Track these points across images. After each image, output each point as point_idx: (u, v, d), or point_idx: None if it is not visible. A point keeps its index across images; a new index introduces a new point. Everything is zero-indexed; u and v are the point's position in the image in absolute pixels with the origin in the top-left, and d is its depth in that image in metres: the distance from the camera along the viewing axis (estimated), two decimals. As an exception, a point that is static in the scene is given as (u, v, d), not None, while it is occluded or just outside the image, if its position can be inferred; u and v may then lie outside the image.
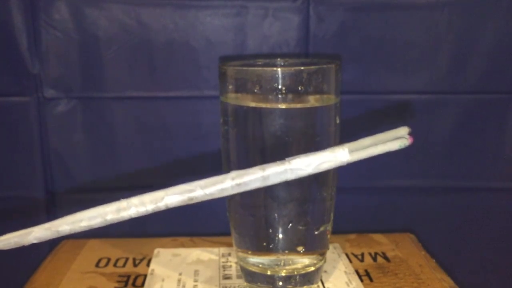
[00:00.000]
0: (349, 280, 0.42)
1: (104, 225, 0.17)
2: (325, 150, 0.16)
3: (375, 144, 0.16)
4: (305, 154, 0.16)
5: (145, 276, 0.43)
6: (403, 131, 0.16)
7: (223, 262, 0.46)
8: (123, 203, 0.17)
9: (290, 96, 0.35)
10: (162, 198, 0.17)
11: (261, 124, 0.36)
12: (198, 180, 0.16)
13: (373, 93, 0.59)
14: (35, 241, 0.17)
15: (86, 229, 0.17)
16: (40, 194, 0.58)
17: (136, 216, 0.17)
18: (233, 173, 0.16)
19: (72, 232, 0.17)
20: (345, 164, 0.16)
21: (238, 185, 0.16)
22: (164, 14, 0.55)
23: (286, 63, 0.41)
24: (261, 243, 0.39)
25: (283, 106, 0.35)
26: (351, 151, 0.16)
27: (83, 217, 0.17)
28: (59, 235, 0.17)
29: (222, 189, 0.16)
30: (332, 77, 0.37)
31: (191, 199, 0.16)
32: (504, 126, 0.60)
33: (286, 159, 0.16)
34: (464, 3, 0.56)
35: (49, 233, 0.17)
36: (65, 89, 0.56)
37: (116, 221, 0.17)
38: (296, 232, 0.38)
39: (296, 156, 0.16)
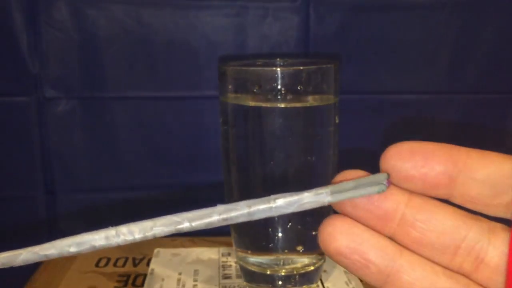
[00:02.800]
0: (348, 279, 0.42)
1: (92, 250, 0.18)
2: (309, 190, 0.17)
3: (356, 188, 0.17)
4: (289, 194, 0.17)
5: (145, 275, 0.43)
6: (383, 177, 0.17)
7: (222, 261, 0.46)
8: (111, 231, 0.17)
9: (289, 95, 0.35)
10: (151, 229, 0.17)
11: (260, 123, 0.36)
12: (186, 212, 0.17)
13: (372, 93, 0.59)
14: (22, 264, 0.17)
15: (75, 254, 0.18)
16: (40, 194, 0.58)
17: (123, 244, 0.18)
18: (221, 208, 0.17)
19: (60, 256, 0.18)
20: (326, 204, 0.17)
21: (225, 219, 0.17)
22: (164, 14, 0.55)
23: (285, 63, 0.41)
24: (261, 242, 0.39)
25: (282, 105, 0.36)
26: (333, 193, 0.17)
27: (72, 243, 0.17)
28: (47, 259, 0.18)
29: (209, 223, 0.17)
30: (332, 77, 0.37)
31: (178, 230, 0.17)
32: (504, 126, 0.60)
33: (272, 196, 0.17)
34: (464, 3, 0.56)
35: (37, 257, 0.17)
36: (65, 89, 0.56)
37: (104, 248, 0.18)
38: (295, 231, 0.38)
39: (280, 195, 0.17)
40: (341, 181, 0.18)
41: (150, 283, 0.42)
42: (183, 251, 0.48)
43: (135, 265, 0.46)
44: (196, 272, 0.44)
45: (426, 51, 0.58)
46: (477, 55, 0.58)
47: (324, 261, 0.41)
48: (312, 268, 0.40)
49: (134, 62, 0.56)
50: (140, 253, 0.48)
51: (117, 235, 0.17)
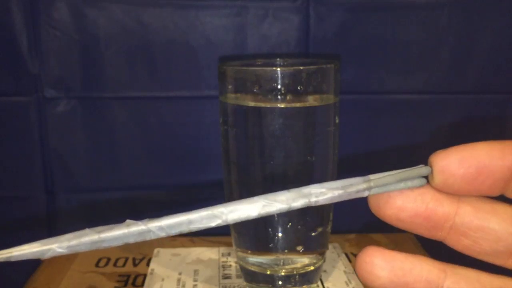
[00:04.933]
0: (348, 279, 0.42)
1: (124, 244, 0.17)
2: (348, 181, 0.17)
3: (397, 182, 0.17)
4: (327, 186, 0.17)
5: (145, 275, 0.43)
6: (425, 170, 0.16)
7: (222, 261, 0.46)
8: (142, 227, 0.17)
9: (289, 95, 0.35)
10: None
11: (260, 123, 0.36)
12: (222, 204, 0.17)
13: (372, 93, 0.59)
14: (51, 256, 0.17)
15: (106, 247, 0.17)
16: (40, 194, 0.58)
17: (155, 238, 0.17)
18: (263, 201, 0.17)
19: (92, 249, 0.17)
20: (365, 196, 0.17)
21: (266, 213, 0.17)
22: (164, 14, 0.55)
23: (285, 63, 0.41)
24: (261, 242, 0.39)
25: (282, 105, 0.36)
26: (372, 187, 0.17)
27: (105, 238, 0.17)
28: (76, 252, 0.17)
29: (248, 216, 0.17)
30: (332, 77, 0.37)
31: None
32: (504, 126, 0.60)
33: (309, 188, 0.17)
34: (464, 3, 0.56)
35: (68, 251, 0.17)
36: (65, 89, 0.56)
37: (137, 241, 0.17)
38: (295, 231, 0.38)
39: (317, 188, 0.17)
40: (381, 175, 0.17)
41: (150, 283, 0.42)
42: (183, 251, 0.48)
43: (135, 265, 0.46)
44: (196, 272, 0.44)
45: (426, 51, 0.58)
46: (477, 55, 0.58)
47: (324, 261, 0.41)
48: (312, 268, 0.40)
49: (134, 62, 0.56)
50: (140, 253, 0.48)
51: (149, 230, 0.17)
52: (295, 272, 0.39)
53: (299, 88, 0.35)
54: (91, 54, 0.56)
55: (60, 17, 0.54)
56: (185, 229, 0.17)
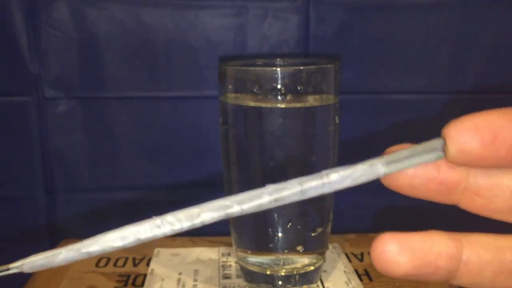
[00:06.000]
0: (348, 279, 0.42)
1: (137, 244, 0.17)
2: (362, 162, 0.16)
3: (412, 156, 0.16)
4: (342, 168, 0.16)
5: (145, 275, 0.43)
6: (438, 143, 0.16)
7: (222, 261, 0.46)
8: (156, 220, 0.16)
9: (289, 96, 0.35)
10: (198, 215, 0.16)
11: (260, 123, 0.36)
12: (234, 195, 0.16)
13: (372, 93, 0.59)
14: (63, 263, 0.17)
15: (119, 249, 0.17)
16: (40, 194, 0.58)
17: (170, 234, 0.17)
18: (270, 188, 0.16)
19: (103, 252, 0.17)
20: (382, 176, 0.16)
21: (276, 200, 0.16)
22: (164, 14, 0.55)
23: (285, 63, 0.41)
24: (261, 242, 0.39)
25: (282, 105, 0.36)
26: (388, 163, 0.16)
27: (116, 237, 0.17)
28: (89, 256, 0.17)
29: (260, 205, 0.16)
30: (332, 77, 0.37)
31: (228, 215, 0.16)
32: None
33: (323, 172, 0.16)
34: (464, 3, 0.56)
35: (79, 255, 0.17)
36: (65, 89, 0.56)
37: (149, 239, 0.17)
38: (295, 231, 0.38)
39: (332, 170, 0.16)
40: (395, 151, 0.17)
41: (150, 283, 0.42)
42: (183, 251, 0.48)
43: (135, 265, 0.46)
44: (196, 272, 0.44)
45: (426, 51, 0.58)
46: (477, 55, 0.58)
47: (324, 261, 0.41)
48: (312, 268, 0.40)
49: (134, 62, 0.56)
50: (140, 253, 0.48)
51: (163, 224, 0.16)
52: (295, 272, 0.39)
53: (299, 88, 0.35)
54: (91, 54, 0.56)
55: (60, 17, 0.54)
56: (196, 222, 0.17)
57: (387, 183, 0.17)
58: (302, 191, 0.16)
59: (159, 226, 0.16)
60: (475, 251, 0.17)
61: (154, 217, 0.17)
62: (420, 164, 0.16)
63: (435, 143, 0.16)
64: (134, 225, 0.17)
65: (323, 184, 0.16)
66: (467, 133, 0.16)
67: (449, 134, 0.16)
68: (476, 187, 0.17)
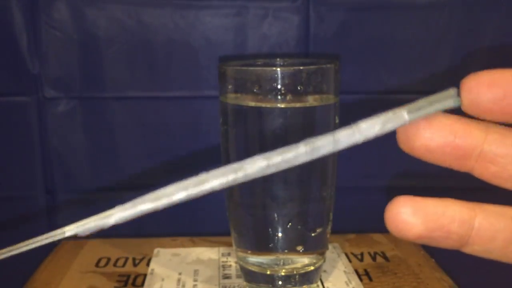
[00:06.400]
0: (348, 279, 0.42)
1: (185, 201, 0.17)
2: (387, 111, 0.17)
3: (431, 104, 0.17)
4: (370, 118, 0.17)
5: (145, 275, 0.43)
6: (453, 91, 0.17)
7: (222, 261, 0.46)
8: (202, 176, 0.17)
9: (289, 96, 0.35)
10: (241, 168, 0.17)
11: (260, 123, 0.36)
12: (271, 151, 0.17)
13: (373, 93, 0.59)
14: (115, 223, 0.17)
15: (167, 206, 0.17)
16: (40, 194, 0.58)
17: (219, 188, 0.17)
18: (306, 141, 0.17)
19: (154, 210, 0.17)
20: (407, 123, 0.17)
21: (312, 150, 0.17)
22: (164, 14, 0.55)
23: (285, 63, 0.41)
24: (261, 242, 0.39)
25: (282, 105, 0.36)
26: (409, 112, 0.17)
27: (163, 194, 0.17)
28: (142, 214, 0.17)
29: (296, 156, 0.17)
30: (332, 77, 0.37)
31: (269, 166, 0.17)
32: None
33: (352, 123, 0.17)
34: (464, 3, 0.56)
35: (132, 212, 0.17)
36: (65, 89, 0.56)
37: (196, 196, 0.17)
38: (295, 231, 0.38)
39: (361, 121, 0.17)
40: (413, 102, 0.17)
41: (150, 283, 0.42)
42: (183, 251, 0.48)
43: (135, 265, 0.46)
44: (196, 272, 0.44)
45: (426, 51, 0.58)
46: (477, 55, 0.58)
47: (324, 261, 0.41)
48: (312, 268, 0.40)
49: (134, 62, 0.56)
50: (140, 253, 0.48)
51: (208, 179, 0.17)
52: (295, 272, 0.39)
53: (299, 88, 0.35)
54: (91, 54, 0.56)
55: (60, 17, 0.54)
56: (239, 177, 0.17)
57: (403, 146, 0.18)
58: (335, 140, 0.17)
59: (206, 180, 0.17)
60: (488, 219, 0.17)
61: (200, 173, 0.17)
62: (439, 110, 0.17)
63: (451, 92, 0.17)
64: (179, 182, 0.17)
65: (353, 132, 0.17)
66: (479, 86, 0.16)
67: (464, 85, 0.17)
68: (491, 154, 0.17)
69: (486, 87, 0.16)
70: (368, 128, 0.17)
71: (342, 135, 0.17)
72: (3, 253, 0.17)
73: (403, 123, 0.17)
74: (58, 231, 0.17)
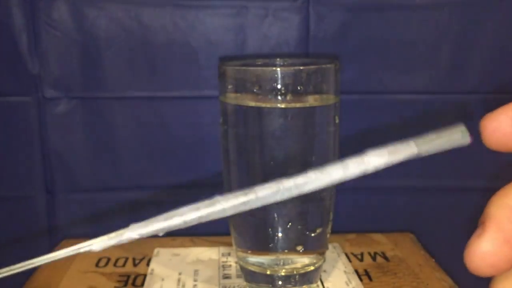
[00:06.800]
0: (348, 279, 0.42)
1: (198, 222, 0.18)
2: (394, 144, 0.17)
3: (439, 138, 0.17)
4: (379, 149, 0.17)
5: (145, 275, 0.43)
6: (460, 128, 0.17)
7: (222, 261, 0.46)
8: (216, 199, 0.17)
9: (289, 95, 0.35)
10: (252, 191, 0.17)
11: (260, 123, 0.36)
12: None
13: (373, 93, 0.59)
14: (127, 241, 0.18)
15: (180, 226, 0.18)
16: (40, 194, 0.58)
17: (231, 212, 0.17)
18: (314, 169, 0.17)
19: (168, 230, 0.18)
20: (415, 156, 0.17)
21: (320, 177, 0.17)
22: (164, 14, 0.55)
23: (285, 63, 0.41)
24: (261, 242, 0.39)
25: (282, 105, 0.36)
26: (418, 145, 0.17)
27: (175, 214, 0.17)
28: (155, 233, 0.17)
29: (306, 182, 0.17)
30: (332, 77, 0.37)
31: (279, 191, 0.17)
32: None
33: (363, 153, 0.17)
34: (464, 3, 0.56)
35: (145, 231, 0.18)
36: (65, 89, 0.56)
37: (208, 218, 0.17)
38: (295, 231, 0.38)
39: (372, 152, 0.17)
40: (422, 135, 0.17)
41: (150, 283, 0.42)
42: (183, 251, 0.48)
43: (135, 265, 0.46)
44: (196, 272, 0.44)
45: (426, 51, 0.58)
46: (477, 55, 0.58)
47: (324, 261, 0.41)
48: (312, 268, 0.40)
49: (134, 62, 0.56)
50: (140, 253, 0.48)
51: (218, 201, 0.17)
52: (295, 272, 0.39)
53: (299, 88, 0.36)
54: (91, 54, 0.56)
55: (60, 17, 0.54)
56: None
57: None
58: (343, 169, 0.17)
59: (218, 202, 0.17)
60: None
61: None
62: (447, 147, 0.17)
63: (460, 128, 0.18)
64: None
65: (363, 160, 0.17)
66: (503, 124, 0.17)
67: (485, 126, 0.18)
68: None
69: (510, 123, 0.17)
70: (377, 159, 0.17)
71: (351, 165, 0.17)
72: (23, 266, 0.18)
73: (412, 156, 0.17)
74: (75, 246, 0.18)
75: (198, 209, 0.17)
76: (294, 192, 0.17)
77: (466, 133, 0.17)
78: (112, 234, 0.18)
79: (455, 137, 0.17)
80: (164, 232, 0.18)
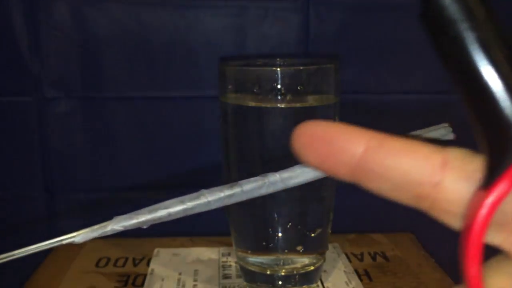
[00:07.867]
0: (348, 279, 0.42)
1: (184, 215, 0.18)
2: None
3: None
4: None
5: (145, 275, 0.43)
6: (445, 128, 0.18)
7: (222, 261, 0.46)
8: (202, 193, 0.17)
9: (289, 95, 0.35)
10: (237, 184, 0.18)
11: (260, 123, 0.36)
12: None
13: (372, 93, 0.59)
14: (112, 233, 0.18)
15: (165, 219, 0.18)
16: (40, 194, 0.58)
17: (216, 205, 0.17)
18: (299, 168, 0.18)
19: (152, 222, 0.18)
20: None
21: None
22: (164, 14, 0.55)
23: (285, 63, 0.41)
24: (261, 242, 0.39)
25: (282, 105, 0.36)
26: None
27: (160, 206, 0.18)
28: (139, 225, 0.17)
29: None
30: (332, 77, 0.37)
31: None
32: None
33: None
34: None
35: (129, 223, 0.18)
36: (65, 89, 0.56)
37: (193, 211, 0.17)
38: (295, 231, 0.38)
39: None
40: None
41: (150, 283, 0.42)
42: (183, 251, 0.48)
43: (135, 265, 0.46)
44: (196, 272, 0.44)
45: (426, 51, 0.57)
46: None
47: (324, 261, 0.41)
48: (312, 268, 0.40)
49: (134, 62, 0.56)
50: (140, 253, 0.48)
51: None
52: (295, 272, 0.39)
53: (299, 88, 0.36)
54: (91, 54, 0.56)
55: (60, 17, 0.54)
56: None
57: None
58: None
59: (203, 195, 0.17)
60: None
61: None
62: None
63: (443, 125, 0.18)
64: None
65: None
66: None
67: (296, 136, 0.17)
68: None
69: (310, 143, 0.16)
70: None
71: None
72: (4, 258, 0.18)
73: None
74: (59, 238, 0.18)
75: (183, 201, 0.18)
76: (280, 186, 0.17)
77: (449, 130, 0.18)
78: (96, 226, 0.18)
79: (439, 133, 0.18)
80: (149, 224, 0.18)
